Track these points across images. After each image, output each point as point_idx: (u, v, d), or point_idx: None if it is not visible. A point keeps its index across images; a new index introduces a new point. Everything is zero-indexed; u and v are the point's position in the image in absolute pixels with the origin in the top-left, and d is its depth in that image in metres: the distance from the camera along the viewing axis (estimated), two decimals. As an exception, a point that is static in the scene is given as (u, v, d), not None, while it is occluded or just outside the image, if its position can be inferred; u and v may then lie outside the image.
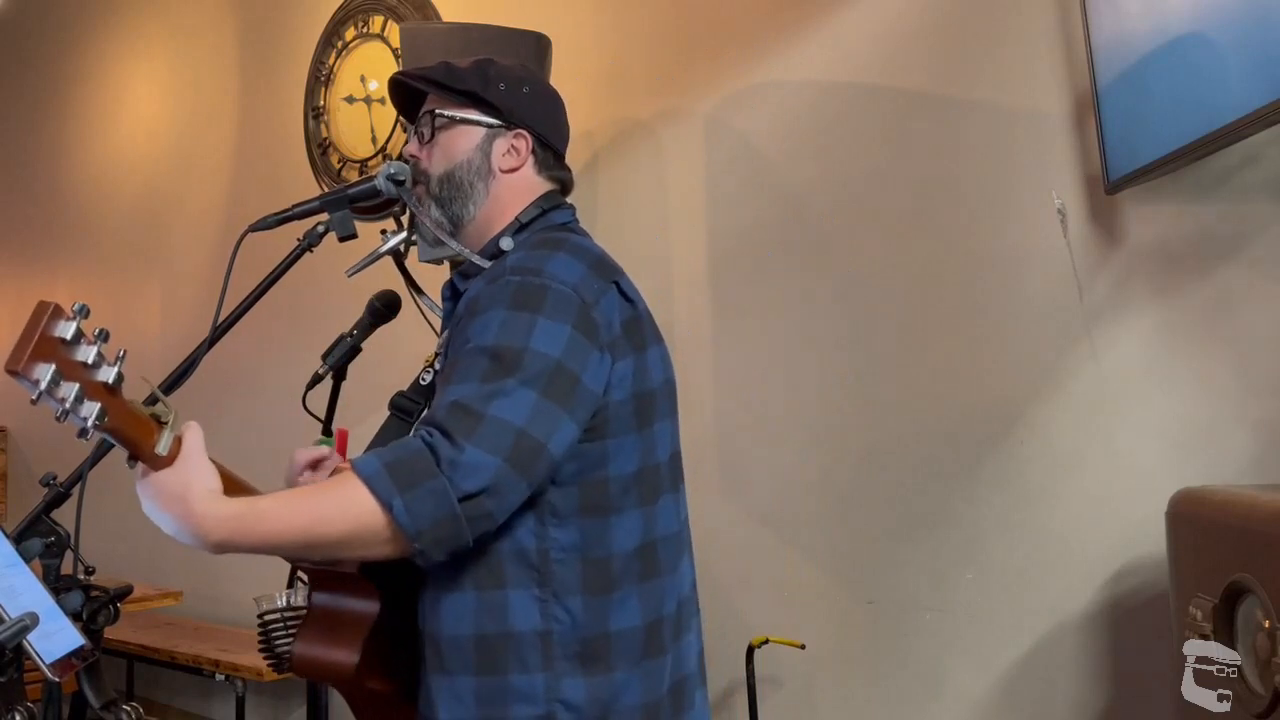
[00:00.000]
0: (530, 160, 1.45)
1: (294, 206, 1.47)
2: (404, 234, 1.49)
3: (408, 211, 1.47)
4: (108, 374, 1.07)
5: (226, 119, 4.58)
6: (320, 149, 4.05)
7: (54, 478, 1.43)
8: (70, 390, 1.03)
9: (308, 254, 1.48)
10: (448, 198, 1.44)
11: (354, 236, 1.47)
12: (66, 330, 1.03)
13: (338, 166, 3.98)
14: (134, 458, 1.16)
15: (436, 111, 1.46)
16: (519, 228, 1.41)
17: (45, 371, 1.01)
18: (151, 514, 1.18)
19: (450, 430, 1.16)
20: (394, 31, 3.74)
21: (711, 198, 2.95)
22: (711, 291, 2.93)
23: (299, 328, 3.71)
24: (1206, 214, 2.14)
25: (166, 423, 1.16)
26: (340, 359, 1.86)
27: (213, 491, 1.17)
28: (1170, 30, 1.92)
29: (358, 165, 3.90)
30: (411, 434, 1.21)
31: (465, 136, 1.44)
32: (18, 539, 1.36)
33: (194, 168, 4.71)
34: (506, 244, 1.39)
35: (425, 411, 1.44)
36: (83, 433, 1.07)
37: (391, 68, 3.80)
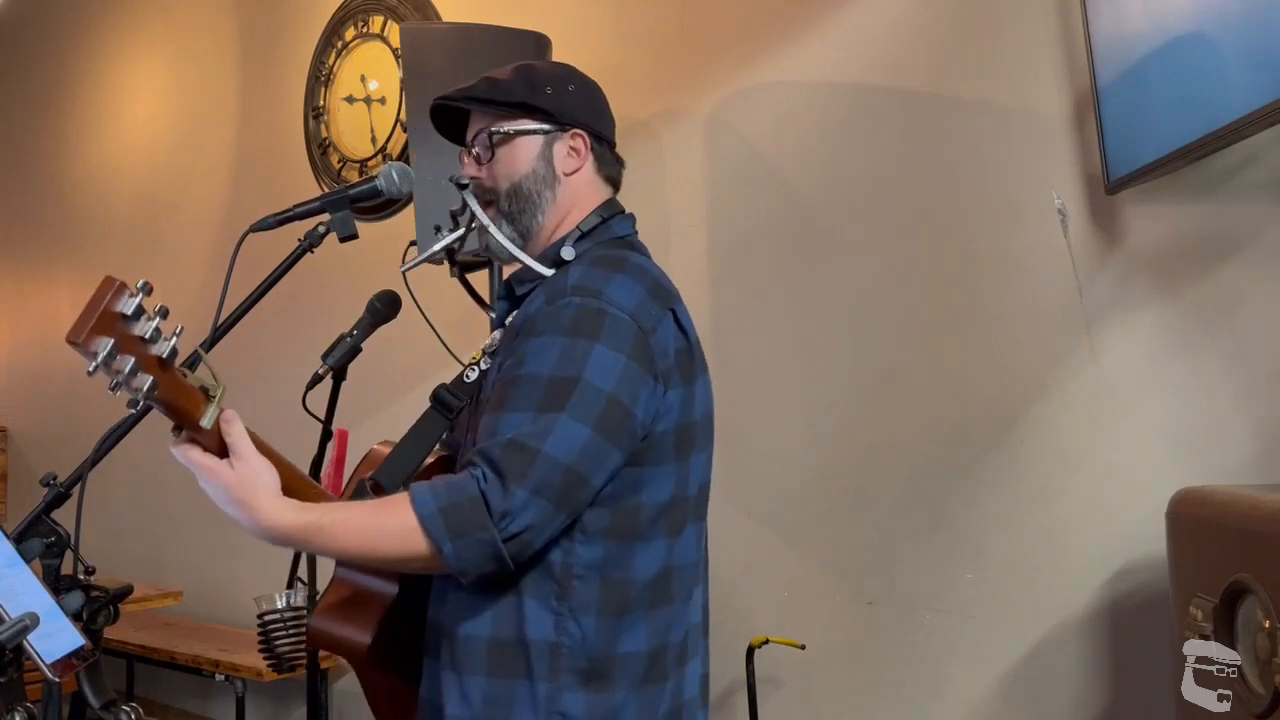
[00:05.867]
0: (590, 158, 1.46)
1: (295, 207, 1.47)
2: (460, 231, 1.47)
3: (465, 209, 1.45)
4: (163, 348, 1.11)
5: (226, 119, 4.58)
6: (320, 149, 4.05)
7: (54, 478, 1.43)
8: (126, 363, 1.07)
9: (308, 254, 1.48)
10: (517, 211, 1.43)
11: (355, 237, 1.46)
12: (128, 306, 1.08)
13: (338, 166, 3.98)
14: (179, 427, 1.21)
15: (493, 130, 1.43)
16: (580, 236, 1.41)
17: (104, 345, 1.06)
18: (219, 504, 1.25)
19: (504, 471, 1.21)
20: (394, 31, 3.74)
21: (711, 198, 2.95)
22: (711, 291, 2.93)
23: (299, 328, 3.71)
24: (1206, 214, 2.14)
25: (214, 397, 1.21)
26: (340, 359, 1.86)
27: (276, 494, 1.24)
28: (1170, 30, 1.92)
29: (358, 165, 3.90)
30: (466, 469, 1.24)
31: (524, 147, 1.43)
32: (18, 539, 1.36)
33: (194, 167, 4.71)
34: (568, 253, 1.39)
35: (467, 411, 1.44)
36: (134, 403, 1.12)
37: (391, 68, 3.80)
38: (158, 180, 4.92)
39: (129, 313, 1.08)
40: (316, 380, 1.89)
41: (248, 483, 1.22)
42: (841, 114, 2.70)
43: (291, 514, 1.23)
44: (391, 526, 1.22)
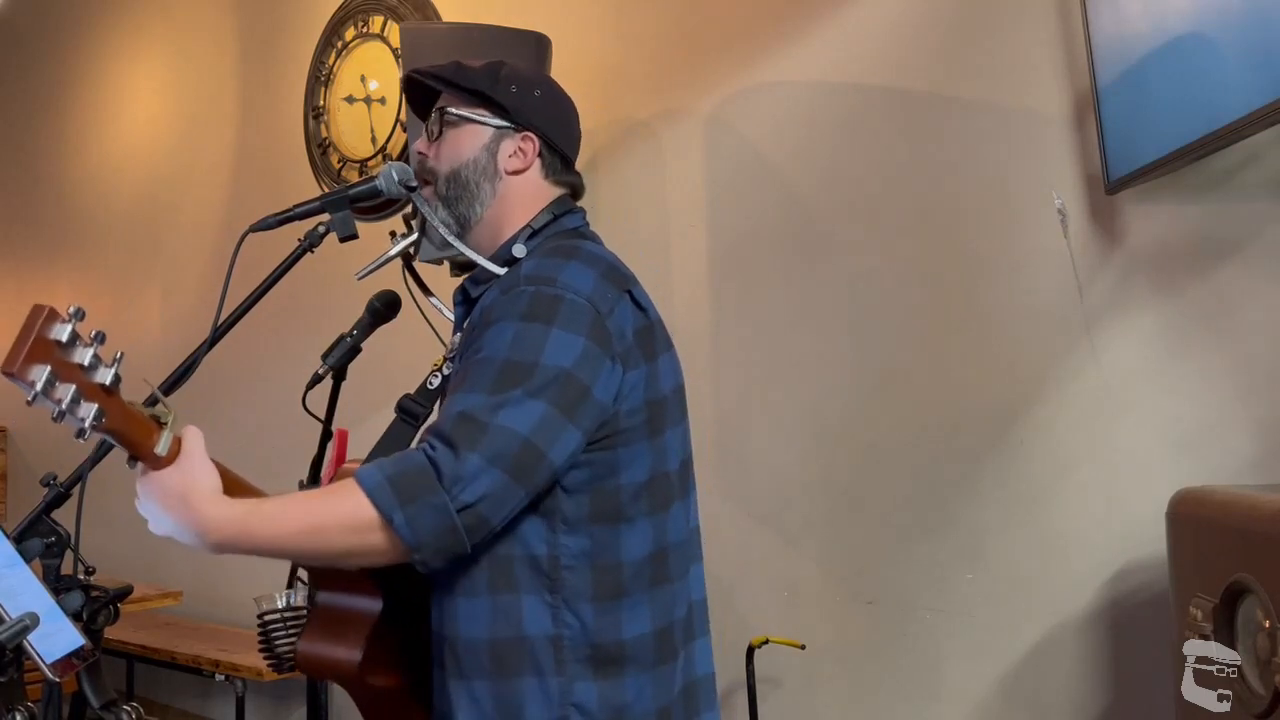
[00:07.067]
0: (537, 164, 1.44)
1: (295, 207, 1.47)
2: (414, 236, 1.48)
3: (417, 213, 1.46)
4: (105, 375, 1.07)
5: (226, 119, 4.58)
6: (320, 149, 4.05)
7: (54, 478, 1.43)
8: (67, 391, 1.02)
9: (308, 254, 1.48)
10: (454, 197, 1.43)
11: (355, 237, 1.46)
12: (62, 333, 1.03)
13: (338, 166, 3.98)
14: (134, 458, 1.17)
15: (446, 109, 1.45)
16: (531, 234, 1.41)
17: (40, 373, 1.00)
18: (151, 514, 1.19)
19: (455, 441, 1.17)
20: (394, 31, 3.74)
21: (711, 198, 2.95)
22: (711, 291, 2.93)
23: (299, 328, 3.71)
24: (1206, 214, 2.14)
25: (166, 423, 1.17)
26: (340, 359, 1.86)
27: (215, 491, 1.18)
28: (1170, 30, 1.92)
29: (358, 165, 3.90)
30: (416, 444, 1.21)
31: (472, 135, 1.44)
32: (18, 539, 1.36)
33: (194, 168, 4.72)
34: (519, 251, 1.39)
35: (431, 416, 1.43)
36: (80, 433, 1.07)
37: (391, 68, 3.80)
38: (158, 180, 4.92)
39: (64, 339, 1.02)
40: (316, 380, 1.89)
41: (184, 479, 1.16)
42: (841, 114, 2.71)
43: (225, 505, 1.17)
44: (336, 503, 1.18)
